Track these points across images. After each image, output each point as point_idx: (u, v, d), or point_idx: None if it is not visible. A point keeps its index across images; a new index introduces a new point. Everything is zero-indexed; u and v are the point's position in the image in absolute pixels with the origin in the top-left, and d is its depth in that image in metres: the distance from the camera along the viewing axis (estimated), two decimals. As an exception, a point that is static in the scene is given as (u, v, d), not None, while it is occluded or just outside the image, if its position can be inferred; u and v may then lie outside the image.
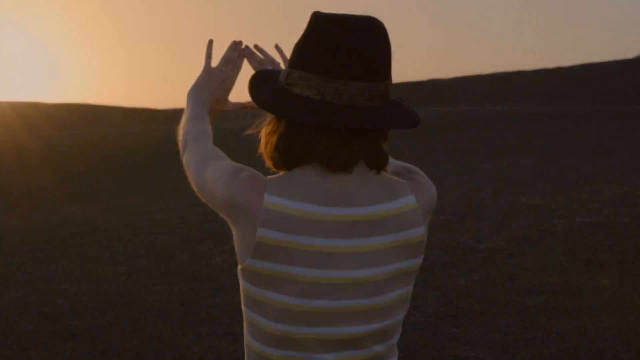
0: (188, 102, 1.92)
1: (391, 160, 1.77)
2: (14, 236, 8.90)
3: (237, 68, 1.98)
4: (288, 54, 1.90)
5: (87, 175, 13.80)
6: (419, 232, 1.64)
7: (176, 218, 9.55)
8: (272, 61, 2.00)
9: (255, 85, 1.65)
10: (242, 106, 2.00)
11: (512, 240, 7.60)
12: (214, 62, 2.11)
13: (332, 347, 1.61)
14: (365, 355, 1.64)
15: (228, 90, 1.97)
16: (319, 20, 1.59)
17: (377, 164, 1.61)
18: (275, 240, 1.56)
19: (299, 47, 1.61)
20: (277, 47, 2.02)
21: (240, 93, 2.07)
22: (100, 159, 15.84)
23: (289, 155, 1.59)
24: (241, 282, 1.64)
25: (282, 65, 2.01)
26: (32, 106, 26.46)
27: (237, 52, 1.98)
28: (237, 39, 1.99)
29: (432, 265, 6.89)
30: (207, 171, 1.68)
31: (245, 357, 1.69)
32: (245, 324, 1.67)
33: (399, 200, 1.62)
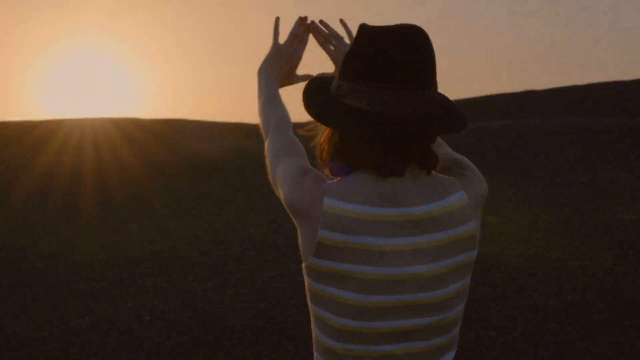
0: (260, 80, 2.03)
1: (443, 151, 1.87)
2: (109, 251, 9.05)
3: (303, 43, 2.11)
4: (351, 26, 2.07)
5: (184, 191, 14.02)
6: (470, 227, 1.72)
7: (267, 234, 9.57)
8: (336, 35, 2.12)
9: (308, 95, 1.74)
10: (308, 78, 2.13)
11: (612, 257, 7.33)
12: (281, 40, 2.22)
13: (392, 339, 1.71)
14: (425, 347, 1.73)
15: (296, 65, 2.10)
16: (364, 33, 1.68)
17: (427, 165, 1.71)
18: (335, 240, 1.67)
19: (348, 58, 1.70)
20: (341, 21, 2.12)
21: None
22: (194, 174, 16.08)
23: (344, 163, 1.71)
24: (306, 278, 1.75)
25: (347, 39, 2.12)
26: (132, 122, 27.07)
27: (303, 28, 2.10)
28: (303, 15, 2.11)
29: (519, 278, 6.69)
30: (278, 169, 1.79)
31: (314, 350, 1.80)
32: (312, 319, 1.78)
33: (450, 198, 1.71)
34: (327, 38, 2.11)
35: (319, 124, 1.79)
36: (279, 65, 2.07)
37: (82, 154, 20.85)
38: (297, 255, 8.16)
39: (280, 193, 1.76)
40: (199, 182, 15.68)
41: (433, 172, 1.75)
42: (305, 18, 2.10)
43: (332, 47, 2.13)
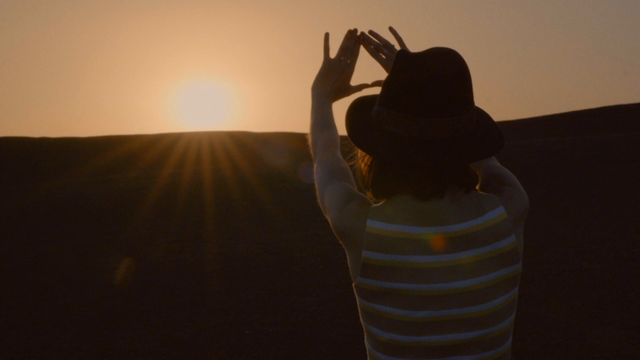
0: (313, 98, 2.09)
1: (485, 165, 1.92)
2: (213, 264, 9.14)
3: (354, 55, 2.14)
4: (402, 33, 2.08)
5: (289, 205, 14.08)
6: (510, 241, 1.76)
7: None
8: (387, 44, 2.14)
9: (350, 121, 1.81)
10: (364, 87, 2.16)
11: None
12: (332, 54, 2.26)
13: (440, 353, 1.76)
14: None
15: (348, 77, 2.13)
16: (401, 60, 1.74)
17: (466, 185, 1.76)
18: (378, 260, 1.74)
19: (387, 86, 1.76)
20: (390, 29, 2.14)
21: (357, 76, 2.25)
22: (298, 188, 16.13)
23: (385, 187, 1.77)
24: (356, 297, 1.83)
25: (397, 47, 2.13)
26: (246, 135, 27.50)
27: (353, 40, 2.12)
28: (352, 27, 2.13)
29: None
30: (325, 194, 1.87)
31: None
32: (365, 334, 1.89)
33: (488, 214, 1.76)
34: (378, 48, 2.14)
35: (359, 153, 1.86)
36: (331, 81, 2.11)
37: (201, 165, 21.21)
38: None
39: (328, 218, 1.83)
40: (308, 193, 15.72)
41: (474, 189, 1.81)
42: (355, 30, 2.12)
43: (383, 56, 2.15)
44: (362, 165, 1.83)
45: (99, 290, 8.21)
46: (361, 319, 1.85)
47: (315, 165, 1.97)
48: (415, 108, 1.71)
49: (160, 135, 34.37)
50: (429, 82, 1.70)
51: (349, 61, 2.13)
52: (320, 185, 1.91)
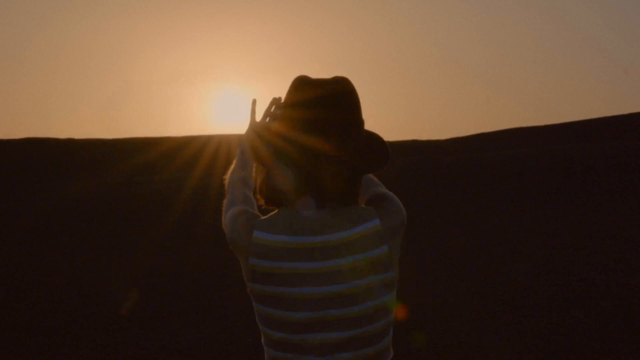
0: (238, 151, 2.30)
1: (373, 189, 2.10)
2: (235, 268, 8.81)
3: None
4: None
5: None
6: (383, 250, 1.95)
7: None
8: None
9: (256, 139, 2.03)
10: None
11: None
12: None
13: (324, 350, 1.97)
14: (355, 356, 1.97)
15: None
16: (295, 86, 1.99)
17: (345, 201, 1.96)
18: (263, 266, 1.95)
19: (285, 107, 1.98)
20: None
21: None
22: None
23: (273, 198, 2.00)
24: (252, 301, 2.05)
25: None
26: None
27: (275, 106, 2.26)
28: (277, 96, 2.26)
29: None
30: (225, 217, 2.09)
31: None
32: (261, 333, 2.08)
33: (363, 225, 1.95)
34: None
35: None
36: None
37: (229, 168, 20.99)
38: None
39: (225, 235, 2.04)
40: None
41: (359, 205, 2.00)
42: (279, 98, 2.20)
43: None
44: (258, 177, 2.06)
45: (113, 292, 7.93)
46: (257, 320, 2.07)
47: (224, 201, 2.18)
48: (303, 127, 1.93)
49: (189, 138, 34.25)
50: (312, 105, 1.93)
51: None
52: (223, 214, 2.11)
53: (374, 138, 2.03)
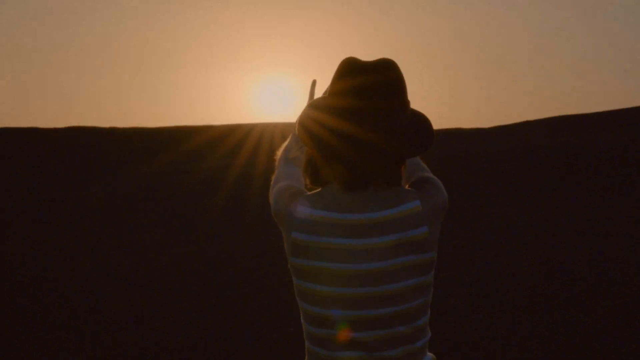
0: (293, 130, 2.38)
1: (419, 174, 2.20)
2: (272, 255, 8.91)
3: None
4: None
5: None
6: (422, 231, 2.02)
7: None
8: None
9: (299, 120, 2.10)
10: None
11: None
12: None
13: (359, 325, 2.04)
14: (391, 334, 2.05)
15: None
16: (340, 68, 2.04)
17: (388, 182, 2.04)
18: (304, 240, 2.04)
19: (329, 89, 2.06)
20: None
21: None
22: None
23: (319, 178, 2.10)
24: (292, 276, 2.12)
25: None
26: None
27: (324, 93, 2.33)
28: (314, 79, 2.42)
29: None
30: (272, 190, 2.20)
31: (304, 337, 2.17)
32: (300, 309, 2.16)
33: (404, 205, 2.02)
34: None
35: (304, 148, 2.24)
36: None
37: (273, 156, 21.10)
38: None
39: (270, 203, 2.16)
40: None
41: (397, 185, 2.07)
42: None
43: None
44: (305, 157, 2.14)
45: (142, 285, 8.08)
46: (296, 296, 2.14)
47: (274, 174, 2.30)
48: (349, 109, 1.99)
49: (233, 126, 34.44)
50: (363, 89, 1.98)
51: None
52: (272, 186, 2.23)
53: (419, 119, 2.08)
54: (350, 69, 2.02)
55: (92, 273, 8.76)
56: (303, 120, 2.10)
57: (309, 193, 2.09)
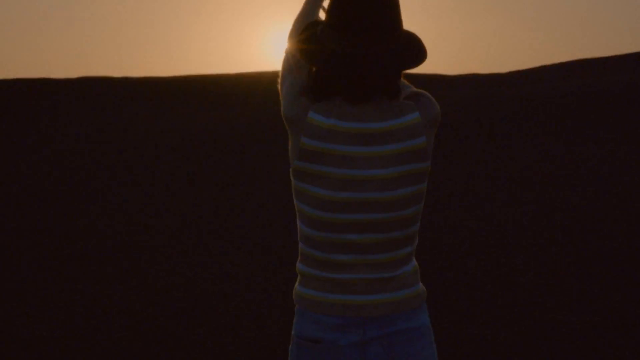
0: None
1: (408, 88, 2.34)
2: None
3: None
4: None
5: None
6: (421, 140, 2.20)
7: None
8: None
9: (299, 40, 2.23)
10: None
11: None
12: None
13: (359, 229, 2.20)
14: (386, 238, 2.22)
15: None
16: None
17: (389, 95, 2.22)
18: (312, 146, 2.19)
19: (328, 9, 2.20)
20: None
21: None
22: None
23: (322, 92, 2.23)
24: (292, 180, 2.26)
25: None
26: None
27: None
28: None
29: None
30: (286, 83, 2.31)
31: (298, 238, 2.30)
32: (297, 213, 2.29)
33: (405, 117, 2.20)
34: None
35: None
36: None
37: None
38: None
39: (282, 107, 2.27)
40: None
41: (396, 98, 2.23)
42: None
43: None
44: (307, 73, 2.28)
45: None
46: (294, 200, 2.29)
47: (285, 50, 2.40)
48: (346, 26, 2.15)
49: (249, 75, 34.39)
50: (361, 6, 2.13)
51: None
52: (283, 73, 2.35)
53: (412, 36, 2.23)
54: None
55: (132, 220, 8.88)
56: (303, 41, 2.23)
57: (319, 102, 2.23)
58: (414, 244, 2.28)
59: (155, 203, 10.06)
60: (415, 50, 2.20)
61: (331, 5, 2.21)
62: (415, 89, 2.33)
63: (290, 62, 2.36)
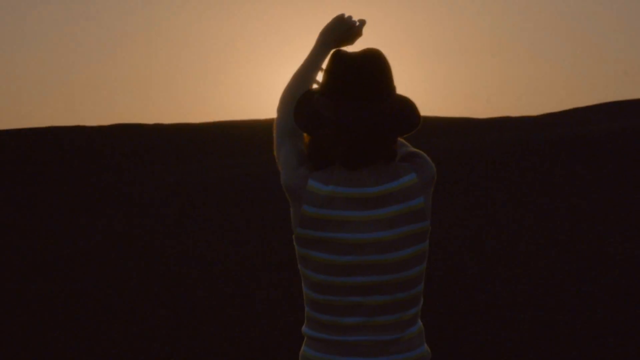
0: (316, 42, 2.51)
1: (404, 150, 2.40)
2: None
3: (362, 22, 2.52)
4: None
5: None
6: (419, 201, 2.26)
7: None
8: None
9: (296, 109, 2.31)
10: (363, 24, 2.54)
11: None
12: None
13: (362, 291, 2.25)
14: (391, 300, 2.26)
15: (354, 35, 2.51)
16: (332, 57, 2.29)
17: (385, 158, 2.28)
18: (313, 213, 2.26)
19: (323, 78, 2.30)
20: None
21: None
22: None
23: (320, 159, 2.31)
24: (295, 246, 2.31)
25: None
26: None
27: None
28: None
29: None
30: (282, 150, 2.39)
31: (304, 303, 2.29)
32: (301, 278, 2.34)
33: (401, 179, 2.26)
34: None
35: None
36: (336, 33, 2.49)
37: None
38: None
39: (281, 175, 2.35)
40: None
41: (397, 162, 2.30)
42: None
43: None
44: (306, 141, 2.34)
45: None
46: (298, 265, 2.33)
47: (277, 114, 2.46)
48: (340, 95, 2.23)
49: (270, 120, 34.63)
50: (354, 76, 2.22)
51: (357, 24, 2.51)
52: (278, 139, 2.43)
53: (406, 102, 2.31)
54: (340, 60, 2.26)
55: (153, 268, 8.93)
56: (299, 110, 2.31)
57: (318, 171, 2.30)
58: (419, 304, 2.32)
59: (187, 250, 10.11)
60: (408, 116, 2.27)
61: (325, 75, 2.29)
62: (411, 149, 2.40)
63: (283, 127, 2.42)
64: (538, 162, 15.80)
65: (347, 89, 2.23)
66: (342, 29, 2.50)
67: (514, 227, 9.95)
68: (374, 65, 2.25)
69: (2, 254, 10.66)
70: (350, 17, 2.54)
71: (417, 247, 2.28)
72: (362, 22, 2.54)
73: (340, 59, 2.27)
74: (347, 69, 2.24)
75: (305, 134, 2.37)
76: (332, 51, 2.36)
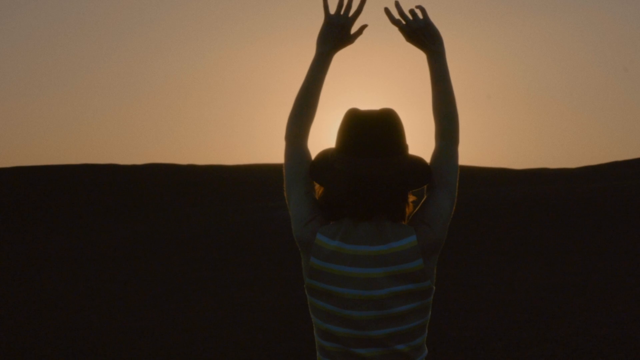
0: (315, 54, 2.57)
1: (421, 212, 2.48)
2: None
3: (357, 11, 2.56)
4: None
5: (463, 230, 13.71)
6: (417, 263, 2.36)
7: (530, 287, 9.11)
8: (411, 11, 2.58)
9: (313, 163, 2.47)
10: (364, 28, 2.61)
11: None
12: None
13: (363, 344, 2.38)
14: (389, 351, 2.39)
15: (349, 29, 2.55)
16: (347, 116, 2.41)
17: (392, 217, 2.40)
18: (320, 266, 2.39)
19: (338, 134, 2.40)
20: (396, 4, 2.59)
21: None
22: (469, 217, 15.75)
23: (331, 211, 2.44)
24: (306, 294, 2.60)
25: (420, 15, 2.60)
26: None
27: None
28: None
29: None
30: (292, 197, 2.52)
31: (316, 348, 2.51)
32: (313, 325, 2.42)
33: (402, 240, 2.37)
34: (401, 16, 2.57)
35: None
36: (331, 37, 2.55)
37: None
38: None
39: (292, 224, 2.49)
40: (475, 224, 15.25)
41: (400, 221, 2.41)
42: None
43: (404, 22, 2.57)
44: (318, 194, 2.48)
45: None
46: (309, 311, 2.46)
47: (286, 147, 2.58)
48: (353, 150, 2.34)
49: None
50: (363, 134, 2.34)
51: (349, 15, 2.55)
52: (288, 182, 2.57)
53: (417, 160, 2.43)
54: (355, 119, 2.37)
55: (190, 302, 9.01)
56: (315, 164, 2.45)
57: (327, 224, 2.43)
58: (421, 355, 2.45)
59: (223, 294, 10.13)
60: (418, 172, 2.39)
61: (339, 133, 2.40)
62: (426, 216, 2.47)
63: (294, 172, 2.56)
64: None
65: (360, 147, 2.34)
66: (335, 32, 2.56)
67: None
68: (387, 125, 2.36)
69: (46, 284, 10.79)
70: (338, 15, 2.57)
71: (416, 304, 2.40)
72: (363, 27, 2.60)
73: (354, 118, 2.38)
74: (360, 129, 2.35)
75: (318, 193, 2.48)
76: (347, 111, 2.46)
